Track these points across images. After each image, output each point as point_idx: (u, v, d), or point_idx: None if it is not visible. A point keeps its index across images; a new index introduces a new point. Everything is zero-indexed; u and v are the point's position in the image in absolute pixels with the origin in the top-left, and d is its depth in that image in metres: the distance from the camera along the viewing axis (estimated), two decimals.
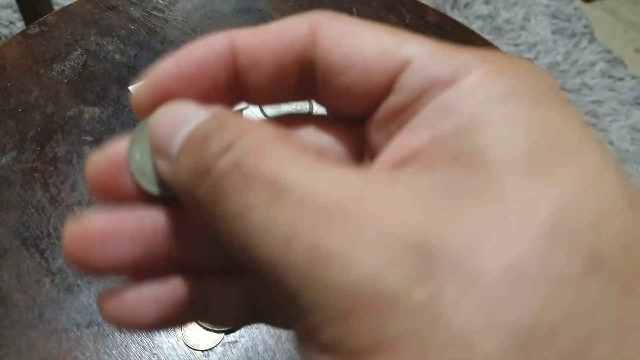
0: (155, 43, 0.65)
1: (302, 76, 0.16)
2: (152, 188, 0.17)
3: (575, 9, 1.57)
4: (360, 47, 0.15)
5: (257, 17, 0.69)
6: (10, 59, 0.63)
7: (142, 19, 0.67)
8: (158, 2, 0.69)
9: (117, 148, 0.17)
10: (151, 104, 0.16)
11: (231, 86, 0.17)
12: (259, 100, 0.17)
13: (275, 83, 0.17)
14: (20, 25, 1.24)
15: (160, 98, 0.16)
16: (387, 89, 0.15)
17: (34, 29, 0.65)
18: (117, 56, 0.63)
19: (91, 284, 0.49)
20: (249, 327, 0.47)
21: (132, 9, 0.68)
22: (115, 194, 0.17)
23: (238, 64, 0.16)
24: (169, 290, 0.16)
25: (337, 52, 0.15)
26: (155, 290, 0.16)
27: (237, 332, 0.48)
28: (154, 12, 0.68)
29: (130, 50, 0.64)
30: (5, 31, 1.26)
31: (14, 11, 1.26)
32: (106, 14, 0.67)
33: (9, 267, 0.50)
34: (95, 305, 0.48)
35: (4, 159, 0.55)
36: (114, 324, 0.16)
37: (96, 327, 0.47)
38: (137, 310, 0.16)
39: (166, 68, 0.16)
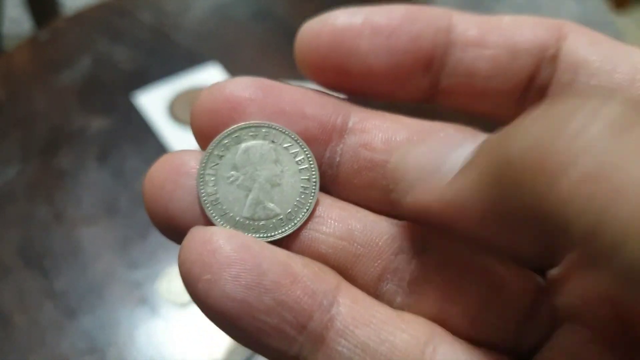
0: (167, 50, 0.62)
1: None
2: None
3: (608, 22, 1.52)
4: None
5: (276, 22, 0.66)
6: (19, 66, 0.61)
7: (155, 25, 0.64)
8: (171, 8, 0.66)
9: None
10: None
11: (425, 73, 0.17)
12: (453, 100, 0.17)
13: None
14: (26, 27, 1.23)
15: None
16: None
17: (44, 35, 0.63)
18: (127, 64, 0.61)
19: (94, 309, 0.46)
20: None
21: (144, 14, 0.65)
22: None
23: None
24: None
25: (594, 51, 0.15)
26: None
27: None
28: (167, 18, 0.65)
29: (141, 57, 0.61)
30: (13, 29, 1.25)
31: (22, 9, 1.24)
32: (118, 19, 0.65)
33: (11, 286, 0.48)
34: (97, 332, 0.45)
35: (9, 172, 0.53)
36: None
37: (98, 355, 0.44)
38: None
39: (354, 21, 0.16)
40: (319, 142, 0.17)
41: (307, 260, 0.15)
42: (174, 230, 0.16)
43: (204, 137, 0.16)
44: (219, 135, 0.16)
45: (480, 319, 0.16)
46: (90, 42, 0.63)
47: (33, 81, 0.59)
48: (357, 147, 0.17)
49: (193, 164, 0.16)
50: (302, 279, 0.15)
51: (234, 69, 0.59)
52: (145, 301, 0.46)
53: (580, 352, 0.15)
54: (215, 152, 0.16)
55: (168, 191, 0.16)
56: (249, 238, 0.15)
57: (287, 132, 0.16)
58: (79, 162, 0.54)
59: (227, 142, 0.16)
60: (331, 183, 0.17)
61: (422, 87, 0.17)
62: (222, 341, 0.44)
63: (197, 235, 0.15)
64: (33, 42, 0.63)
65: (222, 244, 0.14)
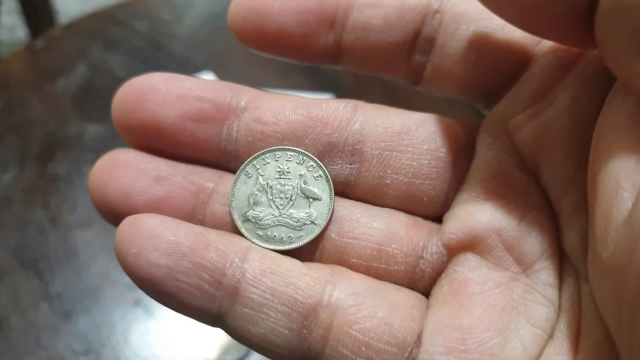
0: (161, 58, 0.63)
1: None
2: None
3: None
4: None
5: None
6: (15, 74, 0.62)
7: (149, 34, 0.66)
8: (164, 17, 0.68)
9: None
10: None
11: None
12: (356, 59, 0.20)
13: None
14: (21, 34, 1.24)
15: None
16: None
17: (40, 43, 0.64)
18: (122, 72, 0.62)
19: (90, 311, 0.47)
20: None
21: (138, 23, 0.66)
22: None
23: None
24: None
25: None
26: None
27: None
28: (160, 27, 0.66)
29: (135, 66, 0.63)
30: (7, 36, 1.25)
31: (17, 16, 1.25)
32: (112, 28, 0.66)
33: (7, 289, 0.48)
34: (92, 333, 0.46)
35: (5, 177, 0.54)
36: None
37: (93, 356, 0.45)
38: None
39: None
40: (216, 121, 0.19)
41: (222, 232, 0.18)
42: (112, 214, 0.19)
43: (120, 127, 0.20)
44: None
45: (378, 262, 0.19)
46: (86, 50, 0.64)
47: (29, 88, 0.60)
48: (250, 122, 0.19)
49: (122, 158, 0.20)
50: (215, 244, 0.17)
51: (226, 77, 0.60)
52: (139, 302, 0.47)
53: (474, 275, 0.18)
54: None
55: (104, 182, 0.19)
56: (168, 218, 0.18)
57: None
58: (75, 168, 0.55)
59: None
60: (234, 159, 0.20)
61: (329, 44, 0.20)
62: (216, 341, 0.45)
63: (128, 220, 0.18)
64: (29, 50, 0.64)
65: (144, 223, 0.17)
